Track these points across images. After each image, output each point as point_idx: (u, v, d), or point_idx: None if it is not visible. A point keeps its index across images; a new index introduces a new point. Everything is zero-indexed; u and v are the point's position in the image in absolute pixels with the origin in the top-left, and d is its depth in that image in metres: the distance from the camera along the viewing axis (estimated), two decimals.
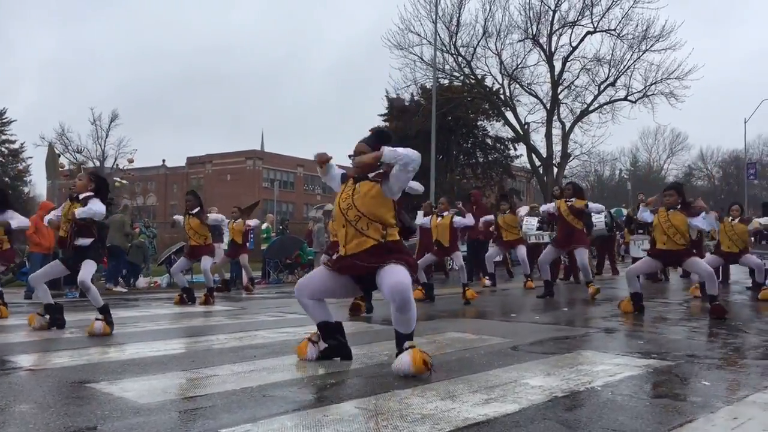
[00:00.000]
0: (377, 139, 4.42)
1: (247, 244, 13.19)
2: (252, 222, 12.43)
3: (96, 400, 3.43)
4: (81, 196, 6.41)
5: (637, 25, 28.06)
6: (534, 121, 31.10)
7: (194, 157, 65.12)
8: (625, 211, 19.09)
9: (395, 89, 31.40)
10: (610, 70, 29.33)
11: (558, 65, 29.65)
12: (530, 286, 11.74)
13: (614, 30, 28.52)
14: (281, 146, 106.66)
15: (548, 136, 30.23)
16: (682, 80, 28.11)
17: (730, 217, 9.89)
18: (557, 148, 30.43)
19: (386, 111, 33.32)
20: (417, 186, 7.02)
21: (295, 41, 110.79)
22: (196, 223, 9.84)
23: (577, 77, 29.95)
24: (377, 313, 7.72)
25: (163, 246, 18.66)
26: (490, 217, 12.64)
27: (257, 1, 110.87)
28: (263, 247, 16.91)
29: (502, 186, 34.16)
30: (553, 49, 29.55)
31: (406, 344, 4.04)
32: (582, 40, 29.21)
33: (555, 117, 30.14)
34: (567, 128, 30.36)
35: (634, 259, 13.88)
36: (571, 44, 29.37)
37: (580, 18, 28.76)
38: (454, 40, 29.07)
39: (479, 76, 30.14)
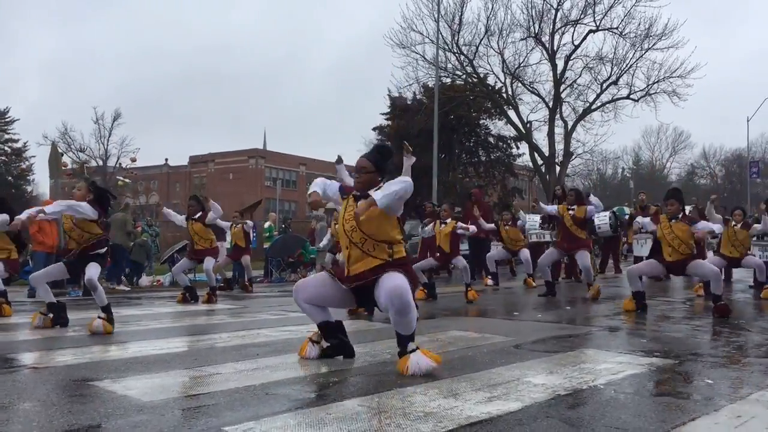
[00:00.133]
0: (378, 155, 4.43)
1: (250, 243, 13.19)
2: (246, 226, 12.42)
3: (99, 398, 3.43)
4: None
5: (639, 24, 27.98)
6: (536, 120, 31.06)
7: (197, 155, 65.14)
8: (627, 210, 19.07)
9: (397, 88, 31.39)
10: (612, 68, 29.26)
11: (560, 64, 29.58)
12: (531, 284, 11.74)
13: (616, 28, 28.44)
14: (283, 145, 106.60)
15: (551, 134, 30.17)
16: (684, 79, 28.02)
17: (733, 222, 9.87)
18: (560, 146, 30.36)
19: (389, 110, 33.31)
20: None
21: (296, 40, 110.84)
22: (200, 227, 9.88)
23: (580, 76, 29.87)
24: (378, 312, 7.71)
25: (165, 245, 18.68)
26: (492, 226, 12.58)
27: (258, 1, 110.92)
28: (266, 245, 16.92)
29: (504, 185, 34.16)
30: (555, 48, 29.48)
31: (411, 345, 4.03)
32: (584, 38, 29.14)
33: (557, 115, 30.07)
34: (569, 127, 30.28)
35: (637, 258, 13.88)
36: (573, 42, 29.30)
37: (582, 16, 28.70)
38: (456, 38, 29.03)
39: (481, 75, 30.10)
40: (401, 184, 4.12)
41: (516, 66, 29.46)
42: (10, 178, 45.10)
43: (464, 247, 12.81)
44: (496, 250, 12.68)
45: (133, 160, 36.39)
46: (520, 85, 30.05)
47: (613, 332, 6.20)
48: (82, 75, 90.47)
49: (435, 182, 23.34)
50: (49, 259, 11.33)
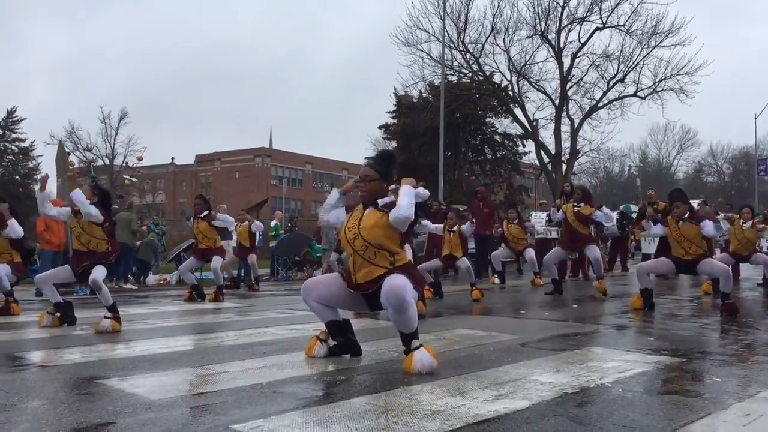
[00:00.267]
0: (382, 163, 4.43)
1: (255, 243, 13.19)
2: (254, 226, 12.44)
3: (108, 396, 3.45)
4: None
5: (646, 21, 27.89)
6: (543, 118, 30.98)
7: (203, 154, 65.33)
8: (634, 208, 19.00)
9: (403, 86, 31.37)
10: (619, 66, 29.17)
11: (567, 61, 29.53)
12: (538, 283, 11.72)
13: (623, 26, 28.35)
14: (290, 144, 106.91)
15: (557, 132, 30.11)
16: (691, 76, 27.92)
17: (742, 220, 9.82)
18: (566, 144, 30.33)
19: (394, 108, 33.29)
20: (422, 193, 6.98)
21: (303, 38, 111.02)
22: (205, 226, 9.91)
23: (586, 73, 29.79)
24: (384, 311, 7.72)
25: (172, 243, 18.74)
26: (500, 230, 12.53)
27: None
28: (272, 244, 16.94)
29: (510, 183, 34.08)
30: (561, 46, 29.41)
31: (415, 343, 4.03)
32: (591, 36, 29.07)
33: (564, 113, 30.00)
34: (576, 125, 30.22)
35: (645, 256, 13.85)
36: (579, 40, 29.24)
37: (589, 14, 28.62)
38: (462, 36, 28.99)
39: (488, 73, 30.04)
40: (402, 211, 4.12)
41: (522, 64, 29.43)
42: (17, 177, 45.25)
43: (471, 245, 12.80)
44: (500, 249, 12.66)
45: (140, 159, 36.50)
46: (526, 83, 30.02)
47: (621, 330, 6.18)
48: (88, 74, 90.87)
49: (441, 180, 23.31)
50: (56, 257, 11.39)
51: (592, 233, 10.48)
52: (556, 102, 29.91)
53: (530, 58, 29.45)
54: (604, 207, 9.93)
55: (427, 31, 28.40)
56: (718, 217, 10.00)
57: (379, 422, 2.88)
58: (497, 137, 33.60)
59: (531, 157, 33.86)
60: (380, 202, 4.29)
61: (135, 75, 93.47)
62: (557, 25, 29.04)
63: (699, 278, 10.82)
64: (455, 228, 9.55)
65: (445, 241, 9.65)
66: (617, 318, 7.09)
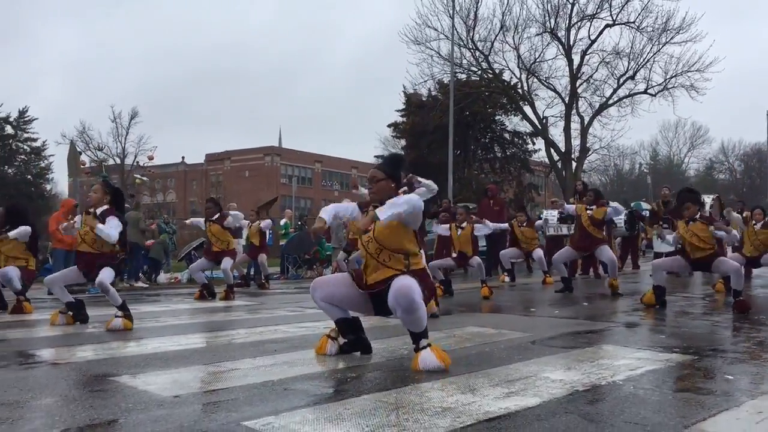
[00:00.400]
0: (390, 164, 4.43)
1: (266, 242, 13.22)
2: (264, 223, 12.48)
3: (120, 393, 3.47)
4: (98, 211, 6.45)
5: (656, 18, 27.74)
6: (552, 116, 30.88)
7: (213, 153, 65.53)
8: (645, 206, 18.90)
9: (413, 85, 31.33)
10: (629, 63, 29.03)
11: (576, 59, 29.41)
12: (549, 282, 11.68)
13: (633, 22, 28.21)
14: (299, 142, 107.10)
15: (567, 130, 30.00)
16: (702, 73, 27.76)
17: (754, 221, 9.75)
18: (576, 142, 30.21)
19: (404, 106, 33.27)
20: (429, 186, 6.98)
21: (312, 38, 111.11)
22: (217, 229, 9.95)
23: (596, 71, 29.66)
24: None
25: (182, 242, 18.82)
26: (505, 225, 12.52)
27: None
28: (282, 242, 16.98)
29: (520, 181, 33.99)
30: (571, 43, 29.29)
31: (423, 342, 4.03)
32: (601, 33, 28.93)
33: (574, 111, 29.89)
34: (586, 122, 30.10)
35: (656, 255, 13.77)
36: (589, 37, 29.11)
37: (598, 11, 28.49)
38: (471, 34, 28.93)
39: (497, 71, 29.96)
40: (406, 205, 4.07)
41: (532, 61, 29.33)
42: (29, 176, 45.50)
43: (482, 243, 12.78)
44: (511, 249, 12.63)
45: (151, 158, 36.60)
46: (535, 80, 29.92)
47: (632, 328, 6.16)
48: (100, 74, 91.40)
49: (450, 179, 23.27)
50: (68, 256, 11.45)
51: (605, 234, 10.43)
52: (566, 99, 29.80)
53: (540, 55, 29.37)
54: (610, 203, 9.90)
55: (436, 29, 28.38)
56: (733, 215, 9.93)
57: (389, 419, 2.89)
58: (507, 135, 33.51)
59: (541, 155, 33.80)
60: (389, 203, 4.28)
61: (146, 75, 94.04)
62: (567, 22, 28.94)
63: (711, 276, 10.76)
64: (464, 225, 9.53)
65: (454, 239, 9.64)
66: (628, 316, 7.07)
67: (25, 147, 45.84)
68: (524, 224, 12.23)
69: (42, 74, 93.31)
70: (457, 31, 27.71)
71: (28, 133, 45.71)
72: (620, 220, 12.55)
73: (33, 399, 3.35)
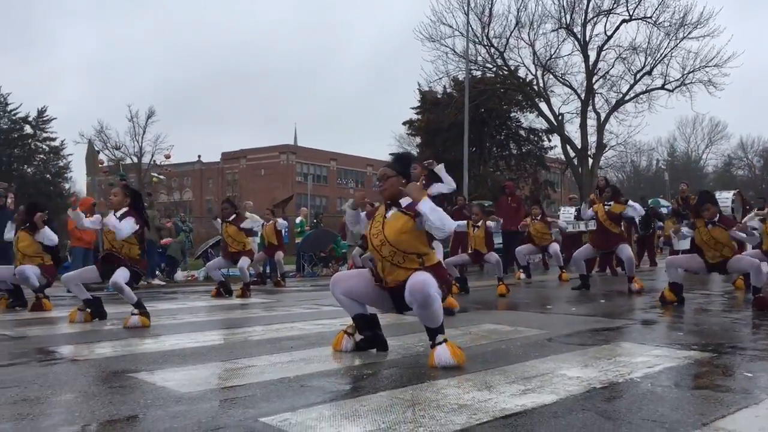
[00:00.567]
0: (399, 163, 4.43)
1: (282, 240, 13.27)
2: (279, 224, 12.52)
3: (139, 389, 3.50)
4: (118, 214, 6.50)
5: (674, 12, 27.50)
6: (568, 112, 30.71)
7: (229, 152, 65.78)
8: (663, 202, 18.76)
9: (427, 82, 31.27)
10: (646, 58, 28.78)
11: (593, 55, 29.21)
12: (565, 278, 11.63)
13: (650, 18, 27.98)
14: (314, 140, 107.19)
15: (583, 126, 29.81)
16: (720, 68, 27.45)
17: None
18: (592, 138, 30.00)
19: (419, 104, 33.22)
20: (449, 183, 6.99)
21: (328, 36, 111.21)
22: (234, 230, 10.02)
23: (613, 66, 29.43)
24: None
25: (199, 240, 18.94)
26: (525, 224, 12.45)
27: None
28: (297, 240, 17.04)
29: (536, 178, 33.84)
30: (587, 39, 29.10)
31: (439, 338, 4.03)
32: (617, 28, 28.72)
33: (590, 107, 29.69)
34: (602, 118, 29.89)
35: (673, 252, 13.66)
36: (606, 33, 28.90)
37: (615, 6, 28.28)
38: (486, 31, 28.82)
39: (512, 67, 29.84)
40: (440, 222, 4.04)
41: (547, 58, 29.18)
42: (48, 175, 45.91)
43: (498, 240, 12.75)
44: (526, 246, 12.58)
45: (167, 156, 36.83)
46: (551, 77, 29.75)
47: (649, 325, 6.12)
48: (117, 74, 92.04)
49: (466, 176, 23.21)
50: (87, 255, 11.58)
51: (623, 231, 10.37)
52: (582, 96, 29.60)
53: (555, 51, 29.20)
54: (630, 201, 9.85)
55: (451, 26, 28.30)
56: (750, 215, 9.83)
57: (406, 416, 2.89)
58: (522, 132, 33.37)
59: (557, 152, 33.59)
60: (402, 202, 4.28)
61: (162, 74, 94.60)
62: (583, 17, 28.75)
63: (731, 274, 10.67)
64: (480, 223, 9.52)
65: (471, 237, 9.63)
66: (646, 313, 7.02)
67: (44, 146, 46.20)
68: (538, 218, 12.18)
69: (60, 74, 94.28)
70: (472, 28, 27.66)
71: (46, 132, 46.07)
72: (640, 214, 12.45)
73: (53, 395, 3.39)
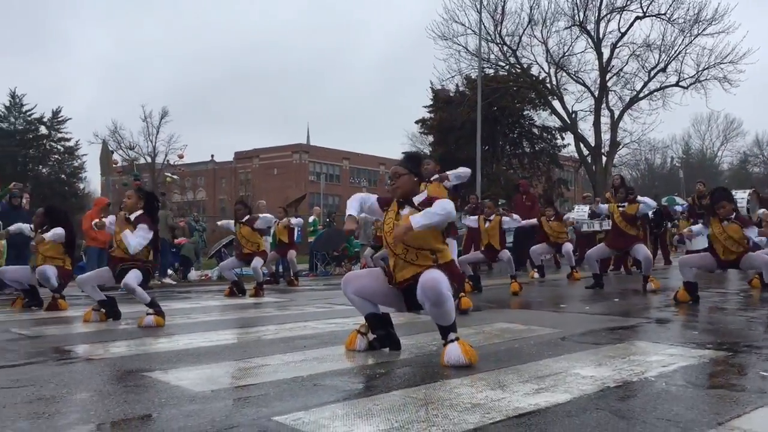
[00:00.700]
0: (411, 162, 4.44)
1: (294, 239, 13.31)
2: (293, 221, 12.56)
3: (153, 388, 3.52)
4: (132, 217, 6.54)
5: (688, 9, 27.33)
6: (582, 110, 30.58)
7: (241, 151, 66.03)
8: (679, 200, 18.61)
9: (440, 80, 31.25)
10: (660, 55, 28.61)
11: (606, 52, 29.07)
12: (576, 277, 11.58)
13: (664, 14, 27.80)
14: (327, 140, 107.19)
15: (596, 124, 29.67)
16: (736, 64, 27.25)
17: None
18: (606, 136, 29.87)
19: (431, 102, 33.18)
20: (462, 172, 6.99)
21: (339, 36, 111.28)
22: (248, 231, 10.07)
23: (626, 64, 29.30)
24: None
25: (213, 239, 19.02)
26: (534, 221, 12.45)
27: None
28: (310, 239, 17.08)
29: (549, 177, 33.70)
30: (601, 36, 28.96)
31: (451, 336, 4.03)
32: (631, 25, 28.58)
33: (603, 105, 29.56)
34: (616, 116, 29.75)
35: (689, 252, 13.57)
36: (619, 30, 28.76)
37: (628, 3, 28.10)
38: (499, 29, 28.76)
39: (525, 65, 29.75)
40: (440, 216, 4.05)
41: (560, 55, 29.10)
42: (63, 176, 46.33)
43: (509, 239, 12.73)
44: (540, 245, 12.54)
45: (181, 156, 37.08)
46: (564, 74, 29.68)
47: (664, 324, 6.08)
48: (130, 74, 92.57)
49: (479, 175, 23.17)
50: (102, 254, 11.66)
51: (640, 232, 10.31)
52: (596, 93, 29.47)
53: (569, 49, 29.11)
54: (639, 197, 9.79)
55: (463, 24, 28.27)
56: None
57: (419, 415, 2.89)
58: (535, 130, 33.24)
59: (570, 150, 33.45)
60: (415, 200, 4.28)
61: (176, 74, 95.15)
62: (596, 15, 28.62)
63: (747, 272, 10.58)
64: (492, 217, 9.51)
65: (482, 232, 9.63)
66: (660, 312, 6.98)
67: (59, 147, 46.63)
68: (552, 218, 12.14)
69: (75, 75, 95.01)
70: (485, 26, 27.60)
71: (61, 133, 46.51)
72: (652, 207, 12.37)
73: (69, 394, 3.42)
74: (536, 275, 12.31)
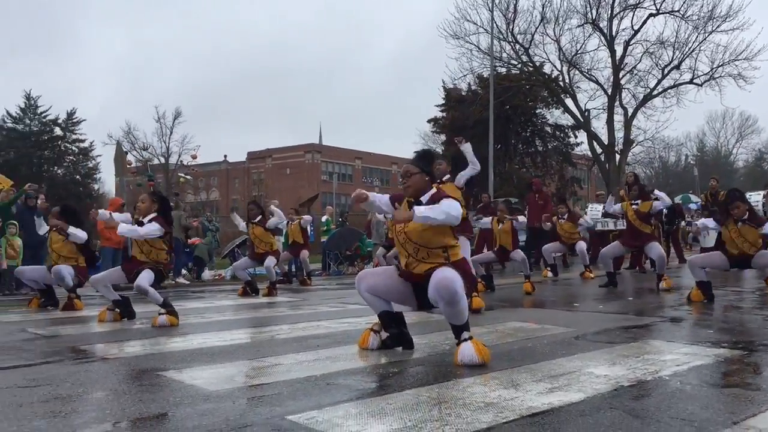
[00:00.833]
0: (422, 160, 4.43)
1: (308, 239, 13.34)
2: (305, 219, 12.60)
3: (168, 387, 3.55)
4: (145, 220, 6.60)
5: (702, 6, 27.10)
6: (595, 108, 30.39)
7: (254, 151, 66.21)
8: (693, 198, 18.49)
9: (452, 79, 31.21)
10: (674, 52, 28.40)
11: (619, 49, 28.88)
12: (588, 276, 11.53)
13: (678, 11, 27.59)
14: (339, 139, 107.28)
15: (610, 122, 29.50)
16: (751, 61, 26.99)
17: None
18: (619, 134, 29.66)
19: (443, 101, 33.14)
20: (474, 165, 6.98)
21: (352, 35, 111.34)
22: (260, 231, 10.11)
23: (640, 61, 29.08)
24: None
25: (226, 239, 19.10)
26: (548, 224, 12.39)
27: None
28: (323, 239, 17.11)
29: (562, 175, 33.57)
30: (614, 33, 28.78)
31: (464, 335, 4.02)
32: (644, 22, 28.37)
33: (617, 103, 29.38)
34: (629, 114, 29.56)
35: (703, 250, 13.47)
36: (632, 27, 28.56)
37: (641, 0, 27.95)
38: (511, 27, 28.67)
39: (537, 64, 29.64)
40: (444, 216, 4.00)
41: (573, 53, 28.94)
42: (78, 176, 46.70)
43: (522, 238, 12.68)
44: (553, 244, 12.50)
45: (194, 157, 37.29)
46: (577, 72, 29.51)
47: (678, 323, 6.05)
48: (144, 76, 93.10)
49: (491, 174, 23.12)
50: (116, 254, 11.75)
51: (654, 230, 10.27)
52: (609, 91, 29.30)
53: (581, 47, 28.96)
54: (655, 191, 9.74)
55: (475, 23, 28.21)
56: None
57: (432, 414, 2.89)
58: (548, 128, 33.14)
59: (583, 148, 33.34)
60: (423, 199, 4.27)
61: (189, 75, 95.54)
62: (609, 12, 28.45)
63: (763, 270, 10.48)
64: (505, 220, 9.50)
65: (495, 233, 9.63)
66: (675, 310, 6.94)
67: (74, 148, 47.01)
68: (565, 216, 12.10)
69: (89, 76, 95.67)
70: (497, 24, 27.51)
71: (76, 134, 46.89)
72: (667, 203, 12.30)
73: (85, 393, 3.45)
74: (549, 274, 12.28)
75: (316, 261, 16.11)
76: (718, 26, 27.01)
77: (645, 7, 28.12)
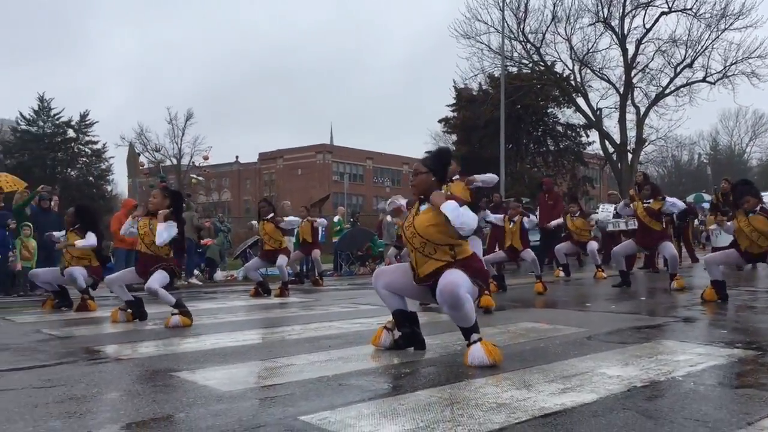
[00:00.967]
0: (434, 159, 4.41)
1: (318, 238, 13.36)
2: (317, 222, 12.62)
3: (181, 387, 3.57)
4: (159, 225, 6.59)
5: (714, 4, 26.95)
6: (607, 107, 30.31)
7: (266, 152, 66.37)
8: (707, 197, 18.37)
9: (463, 79, 31.18)
10: (686, 51, 28.26)
11: (631, 48, 28.77)
12: (601, 276, 11.48)
13: (690, 9, 27.45)
14: (350, 140, 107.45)
15: (622, 121, 29.37)
16: (764, 59, 26.81)
17: None
18: (632, 133, 29.55)
19: (454, 101, 33.11)
20: (489, 179, 6.97)
21: (363, 36, 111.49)
22: (271, 228, 10.13)
23: (652, 60, 28.98)
24: None
25: (238, 240, 19.17)
26: (560, 220, 12.37)
27: None
28: (335, 239, 17.14)
29: (574, 174, 33.45)
30: (625, 32, 28.67)
31: (473, 337, 4.02)
32: (656, 20, 28.26)
33: (629, 102, 29.25)
34: (642, 113, 29.42)
35: (715, 249, 13.38)
36: (644, 26, 28.46)
37: None
38: (522, 26, 28.61)
39: (549, 63, 29.56)
40: (460, 223, 4.00)
41: (584, 52, 28.85)
42: (91, 178, 46.94)
43: (535, 238, 12.65)
44: (565, 243, 12.45)
45: (206, 158, 37.43)
46: (589, 71, 29.41)
47: (692, 323, 6.01)
48: (156, 77, 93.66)
49: (503, 173, 23.07)
50: (129, 255, 11.80)
51: (665, 228, 10.20)
52: (621, 90, 29.18)
53: (593, 46, 28.88)
54: (668, 198, 9.70)
55: (486, 23, 28.19)
56: None
57: (444, 414, 2.89)
58: (559, 128, 33.05)
59: (595, 147, 33.23)
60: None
61: (200, 77, 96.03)
62: (620, 10, 28.37)
63: None
64: (516, 218, 9.49)
65: (507, 232, 9.62)
66: (688, 310, 6.89)
67: (87, 149, 47.21)
68: (576, 214, 12.05)
69: (101, 78, 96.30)
70: (508, 24, 27.45)
71: (89, 136, 47.08)
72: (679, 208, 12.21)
73: (99, 393, 3.48)
74: (561, 274, 12.23)
75: (327, 261, 16.13)
76: (731, 24, 26.89)
77: (657, 6, 28.03)
